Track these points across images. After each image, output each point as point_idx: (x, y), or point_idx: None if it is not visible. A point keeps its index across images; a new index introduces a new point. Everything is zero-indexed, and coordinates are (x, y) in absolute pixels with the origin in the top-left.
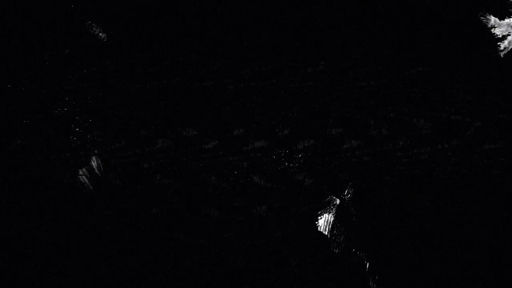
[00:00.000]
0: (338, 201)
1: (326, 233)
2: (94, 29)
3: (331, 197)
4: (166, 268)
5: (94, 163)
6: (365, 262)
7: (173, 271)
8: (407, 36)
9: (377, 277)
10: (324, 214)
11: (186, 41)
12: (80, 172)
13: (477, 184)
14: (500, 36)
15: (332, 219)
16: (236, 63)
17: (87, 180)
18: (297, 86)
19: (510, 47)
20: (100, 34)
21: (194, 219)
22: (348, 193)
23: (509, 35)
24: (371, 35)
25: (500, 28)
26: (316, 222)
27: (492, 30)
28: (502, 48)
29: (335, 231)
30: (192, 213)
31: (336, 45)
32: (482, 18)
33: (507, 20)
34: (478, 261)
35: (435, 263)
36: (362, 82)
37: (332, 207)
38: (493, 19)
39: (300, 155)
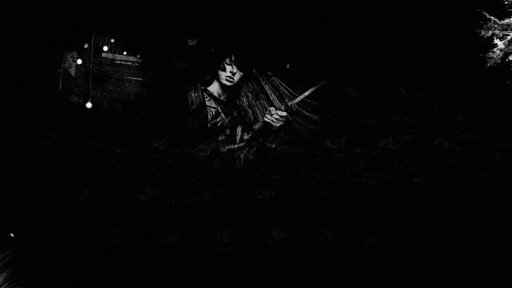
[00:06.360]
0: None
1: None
2: None
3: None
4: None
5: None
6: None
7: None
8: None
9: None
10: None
11: None
12: None
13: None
14: (501, 36)
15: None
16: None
17: None
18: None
19: (510, 46)
20: None
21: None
22: None
23: (509, 35)
24: (365, 35)
25: (500, 28)
26: None
27: (490, 31)
28: (502, 47)
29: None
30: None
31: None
32: (481, 14)
33: (507, 20)
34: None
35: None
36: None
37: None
38: (493, 19)
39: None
